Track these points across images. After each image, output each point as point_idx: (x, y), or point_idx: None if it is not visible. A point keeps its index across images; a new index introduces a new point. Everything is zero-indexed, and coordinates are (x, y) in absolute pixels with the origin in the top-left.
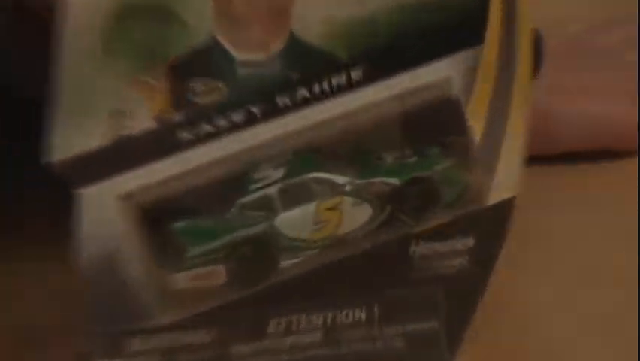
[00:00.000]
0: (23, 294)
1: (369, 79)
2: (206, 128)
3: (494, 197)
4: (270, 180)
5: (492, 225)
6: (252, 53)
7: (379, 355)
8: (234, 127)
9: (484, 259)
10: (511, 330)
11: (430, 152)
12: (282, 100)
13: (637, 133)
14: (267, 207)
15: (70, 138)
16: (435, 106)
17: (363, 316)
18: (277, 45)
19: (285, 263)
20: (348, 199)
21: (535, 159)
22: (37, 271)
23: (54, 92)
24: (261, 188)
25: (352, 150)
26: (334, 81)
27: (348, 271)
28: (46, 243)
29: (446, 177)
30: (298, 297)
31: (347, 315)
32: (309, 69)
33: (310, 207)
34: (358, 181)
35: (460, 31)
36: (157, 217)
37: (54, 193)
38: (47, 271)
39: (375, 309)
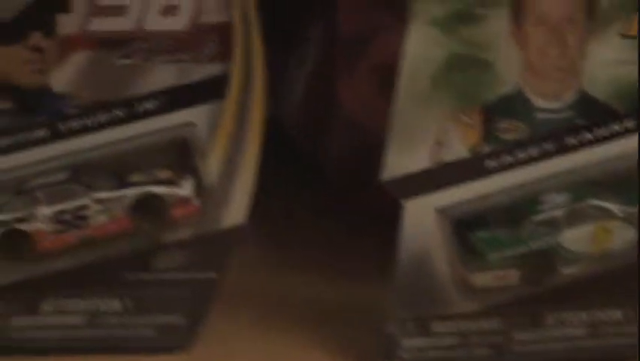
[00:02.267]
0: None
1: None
2: (508, 159)
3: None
4: (556, 203)
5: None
6: (549, 101)
7: None
8: (530, 160)
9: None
10: None
11: None
12: (569, 140)
13: None
14: (553, 225)
15: (401, 161)
16: None
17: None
18: (569, 97)
19: (565, 270)
20: (618, 223)
21: None
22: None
23: (391, 124)
24: (549, 210)
25: (623, 181)
26: (611, 129)
27: (610, 279)
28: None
29: None
30: (569, 298)
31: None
32: (593, 118)
33: (589, 228)
34: (628, 208)
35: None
36: (463, 227)
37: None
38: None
39: None
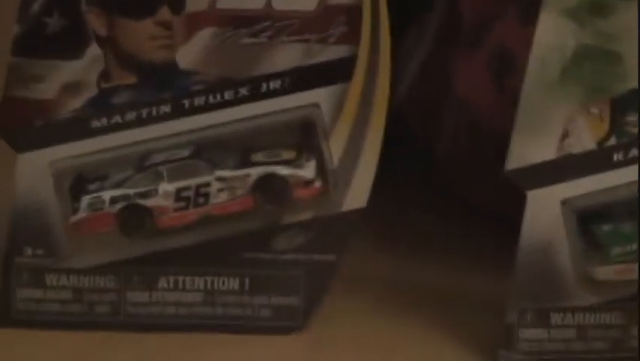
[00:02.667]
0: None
1: None
2: (636, 152)
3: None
4: None
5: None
6: None
7: None
8: None
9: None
10: None
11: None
12: None
13: None
14: None
15: (527, 151)
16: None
17: None
18: None
19: None
20: None
21: None
22: None
23: (518, 113)
24: None
25: None
26: None
27: None
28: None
29: None
30: None
31: None
32: None
33: None
34: None
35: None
36: (587, 220)
37: None
38: None
39: None
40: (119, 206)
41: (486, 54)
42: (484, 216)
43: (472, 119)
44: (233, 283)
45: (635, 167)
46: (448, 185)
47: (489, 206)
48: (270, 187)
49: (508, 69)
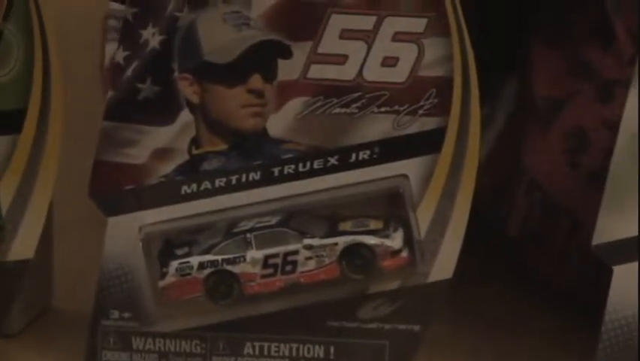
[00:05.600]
0: None
1: None
2: None
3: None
4: None
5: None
6: None
7: None
8: None
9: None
10: None
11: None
12: None
13: None
14: None
15: (612, 225)
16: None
17: None
18: None
19: None
20: None
21: None
22: None
23: (606, 190)
24: None
25: None
26: None
27: None
28: None
29: None
30: None
31: None
32: None
33: None
34: None
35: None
36: None
37: None
38: None
39: None
40: (206, 272)
41: (559, 132)
42: (559, 295)
43: (544, 198)
44: (319, 351)
45: None
46: (520, 263)
47: (563, 285)
48: (357, 256)
49: (582, 147)
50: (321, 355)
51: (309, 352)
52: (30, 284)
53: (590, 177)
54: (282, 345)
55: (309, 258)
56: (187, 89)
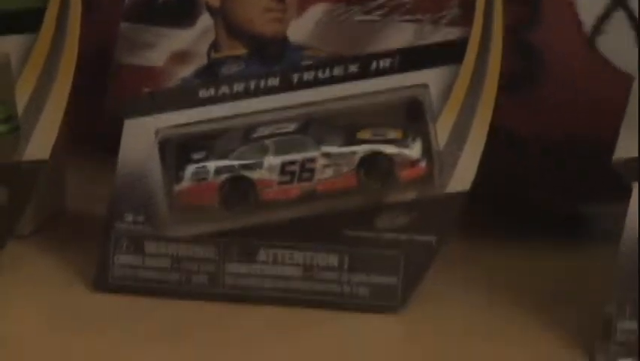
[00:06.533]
0: None
1: None
2: None
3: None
4: None
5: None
6: None
7: None
8: None
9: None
10: None
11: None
12: None
13: None
14: None
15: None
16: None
17: None
18: None
19: None
20: None
21: None
22: None
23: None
24: None
25: None
26: None
27: None
28: None
29: None
30: None
31: None
32: None
33: None
34: None
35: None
36: None
37: None
38: None
39: None
40: (223, 177)
41: None
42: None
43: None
44: (333, 260)
45: None
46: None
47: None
48: (375, 166)
49: None
50: (335, 264)
51: (323, 260)
52: (44, 185)
53: None
54: (296, 253)
55: (326, 166)
56: None
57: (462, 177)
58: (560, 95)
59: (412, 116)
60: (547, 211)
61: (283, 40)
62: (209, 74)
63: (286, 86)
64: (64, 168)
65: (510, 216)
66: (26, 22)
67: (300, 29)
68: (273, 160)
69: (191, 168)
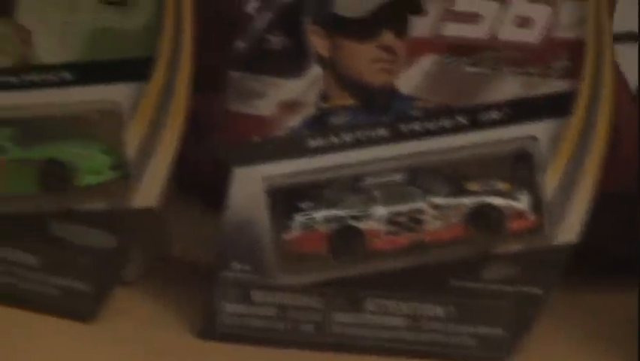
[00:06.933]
0: None
1: None
2: None
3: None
4: None
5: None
6: None
7: None
8: None
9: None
10: None
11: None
12: None
13: None
14: None
15: None
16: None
17: None
18: None
19: None
20: None
21: None
22: None
23: None
24: None
25: None
26: None
27: None
28: None
29: None
30: None
31: None
32: None
33: None
34: None
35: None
36: None
37: None
38: None
39: None
40: (331, 227)
41: None
42: None
43: None
44: (439, 310)
45: None
46: None
47: None
48: (484, 217)
49: None
50: (441, 314)
51: (429, 310)
52: (150, 231)
53: None
54: (401, 303)
55: (434, 216)
56: (317, 42)
57: (570, 228)
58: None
59: (521, 167)
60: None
61: (392, 91)
62: (318, 123)
63: (394, 137)
64: (169, 214)
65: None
66: (136, 70)
67: (409, 80)
68: (381, 210)
69: (299, 218)
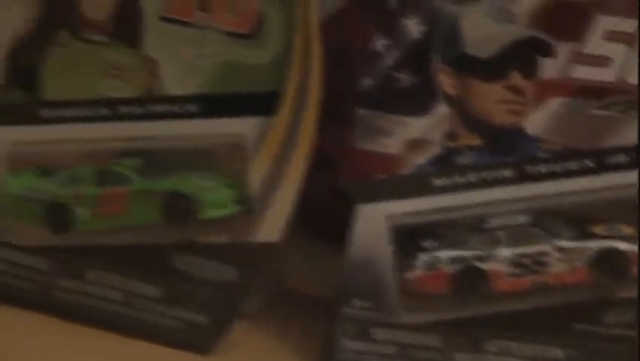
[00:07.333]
0: None
1: None
2: None
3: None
4: None
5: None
6: None
7: None
8: None
9: None
10: None
11: None
12: None
13: None
14: None
15: None
16: None
17: None
18: None
19: None
20: None
21: None
22: None
23: None
24: None
25: None
26: None
27: None
28: None
29: None
30: None
31: None
32: None
33: None
34: None
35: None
36: None
37: None
38: None
39: None
40: (456, 267)
41: None
42: None
43: None
44: (560, 354)
45: None
46: None
47: None
48: (609, 261)
49: None
50: (562, 357)
51: (550, 353)
52: (270, 265)
53: None
54: (522, 345)
55: (559, 259)
56: (445, 81)
57: None
58: None
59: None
60: None
61: (518, 132)
62: (444, 162)
63: (520, 178)
64: (289, 248)
65: None
66: (262, 104)
67: (536, 121)
68: (505, 252)
69: (423, 257)
